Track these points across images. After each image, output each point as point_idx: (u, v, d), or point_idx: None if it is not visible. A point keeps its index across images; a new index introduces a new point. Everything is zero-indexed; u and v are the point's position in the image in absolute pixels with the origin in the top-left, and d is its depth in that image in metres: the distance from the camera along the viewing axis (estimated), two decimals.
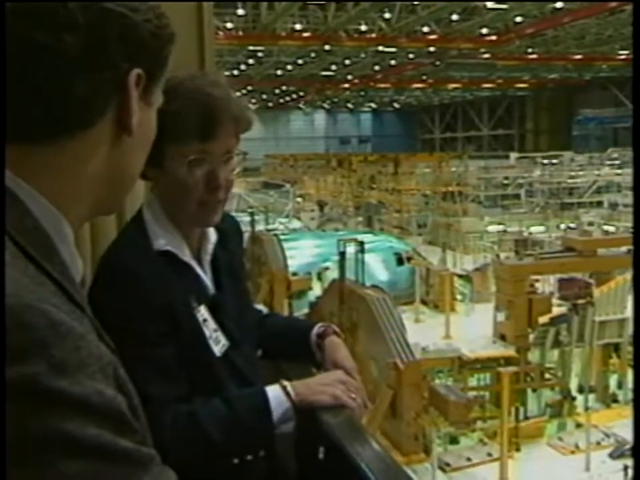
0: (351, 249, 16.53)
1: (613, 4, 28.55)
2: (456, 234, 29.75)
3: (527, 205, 37.76)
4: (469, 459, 12.57)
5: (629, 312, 14.72)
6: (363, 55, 41.09)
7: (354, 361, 1.75)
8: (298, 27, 32.97)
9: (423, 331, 17.20)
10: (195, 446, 1.42)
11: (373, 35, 34.10)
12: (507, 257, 20.73)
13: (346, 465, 1.33)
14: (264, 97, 64.26)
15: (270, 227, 27.79)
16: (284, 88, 57.22)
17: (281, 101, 66.62)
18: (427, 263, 23.00)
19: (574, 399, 14.54)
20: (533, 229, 30.68)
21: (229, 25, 31.50)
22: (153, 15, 0.87)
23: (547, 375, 14.75)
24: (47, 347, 0.67)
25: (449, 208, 33.26)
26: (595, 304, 14.95)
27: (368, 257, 17.71)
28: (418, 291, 20.65)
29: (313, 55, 39.65)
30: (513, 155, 47.39)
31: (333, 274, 17.38)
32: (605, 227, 28.47)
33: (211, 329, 1.55)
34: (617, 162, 40.87)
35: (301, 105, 72.29)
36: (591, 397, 14.82)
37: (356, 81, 51.01)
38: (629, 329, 14.63)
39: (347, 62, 42.66)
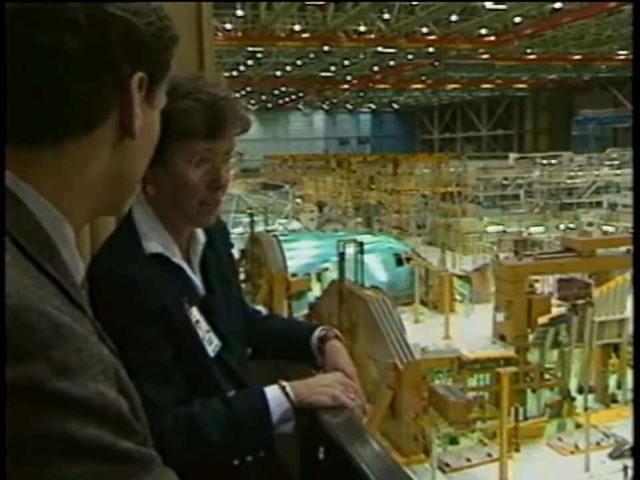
0: (350, 250, 16.53)
1: (612, 4, 28.58)
2: (455, 234, 29.76)
3: (526, 205, 37.77)
4: (468, 460, 12.57)
5: (628, 312, 14.73)
6: (362, 56, 41.12)
7: (353, 362, 1.75)
8: (297, 27, 33.00)
9: (423, 332, 17.20)
10: (195, 447, 1.42)
11: (372, 36, 34.13)
12: (506, 258, 20.72)
13: (346, 464, 1.33)
14: (263, 97, 64.29)
15: (269, 227, 27.82)
16: (283, 89, 57.27)
17: (280, 101, 66.66)
18: (426, 263, 23.01)
19: (573, 399, 14.53)
20: (532, 230, 30.69)
21: (228, 26, 31.52)
22: (156, 17, 0.86)
23: (547, 376, 14.74)
24: (48, 348, 0.67)
25: (448, 208, 33.28)
26: (594, 304, 14.96)
27: (367, 258, 17.71)
28: (417, 292, 20.66)
29: (312, 55, 39.69)
30: (512, 156, 47.43)
31: (333, 275, 17.40)
32: (604, 228, 28.49)
33: (203, 330, 1.56)
34: (616, 162, 40.90)
35: (300, 106, 72.33)
36: (591, 397, 14.82)
37: (355, 81, 51.06)
38: (629, 329, 14.64)
39: (346, 62, 42.70)
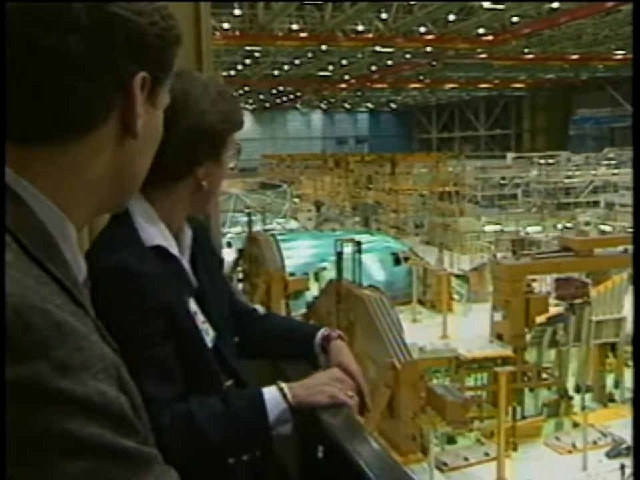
0: (348, 249, 16.53)
1: (609, 4, 28.60)
2: (453, 234, 29.77)
3: (524, 204, 37.79)
4: (466, 459, 12.58)
5: (625, 311, 14.75)
6: (359, 55, 41.12)
7: None
8: (295, 27, 32.99)
9: (420, 331, 17.20)
10: (192, 445, 1.42)
11: (370, 35, 34.12)
12: (504, 257, 20.72)
13: (345, 463, 1.33)
14: (261, 97, 64.25)
15: (267, 227, 27.79)
16: (281, 88, 57.22)
17: (278, 101, 66.60)
18: (424, 262, 23.01)
19: (571, 398, 14.55)
20: (529, 229, 30.71)
21: (226, 25, 31.49)
22: (159, 17, 0.86)
23: (544, 375, 14.76)
24: (50, 347, 0.67)
25: (446, 208, 33.30)
26: (591, 303, 14.98)
27: (365, 257, 17.72)
28: (415, 291, 20.66)
29: (309, 55, 39.66)
30: (510, 155, 47.43)
31: (330, 274, 17.40)
32: (602, 227, 28.54)
33: (200, 321, 1.57)
34: (613, 162, 40.93)
35: (297, 105, 72.30)
36: (588, 396, 14.84)
37: (353, 81, 51.06)
38: (626, 328, 14.65)
39: (344, 62, 42.68)
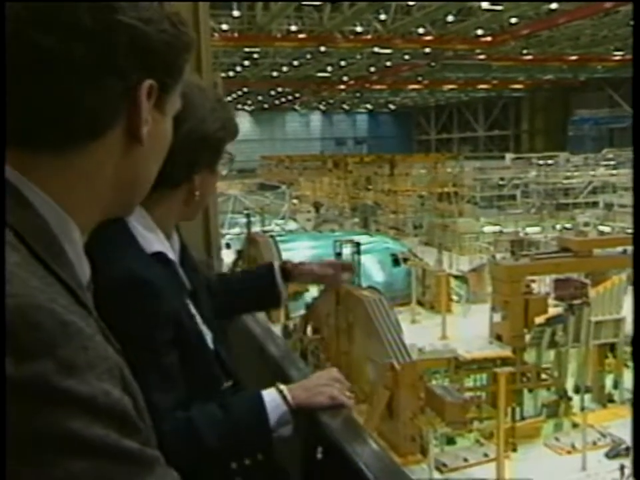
0: (347, 250, 16.55)
1: (608, 5, 28.63)
2: (452, 235, 29.79)
3: (523, 205, 37.82)
4: (465, 460, 12.58)
5: (624, 312, 14.76)
6: (358, 56, 41.14)
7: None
8: (293, 28, 33.00)
9: (420, 332, 17.21)
10: (193, 452, 1.42)
11: (369, 36, 34.14)
12: (503, 258, 20.75)
13: (345, 464, 1.33)
14: (259, 98, 64.29)
15: (266, 228, 27.79)
16: (279, 89, 57.24)
17: (277, 102, 66.65)
18: (423, 263, 23.04)
19: (570, 399, 14.56)
20: (528, 230, 30.74)
21: (225, 27, 31.50)
22: (169, 24, 0.86)
23: (543, 375, 14.77)
24: (56, 346, 0.67)
25: (445, 209, 33.32)
26: (590, 304, 14.98)
27: (364, 258, 17.73)
28: (414, 292, 20.68)
29: (308, 56, 39.68)
30: (509, 156, 47.49)
31: None
32: (601, 228, 28.56)
33: (199, 323, 1.57)
34: (612, 162, 40.97)
35: (296, 107, 72.35)
36: (587, 397, 14.85)
37: (351, 82, 51.09)
38: (625, 328, 14.67)
39: (343, 63, 42.71)
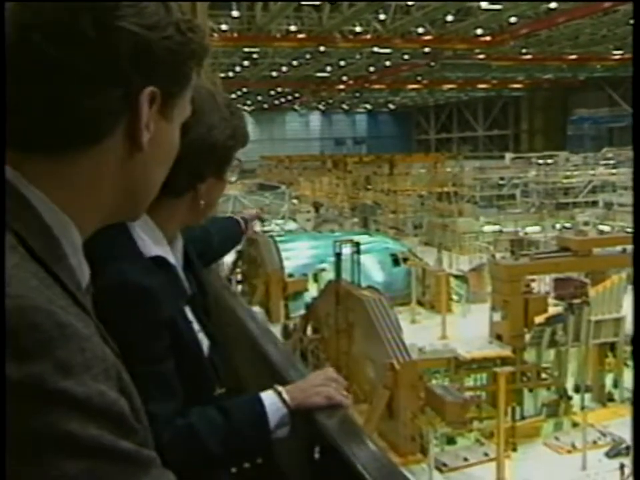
0: (346, 250, 16.53)
1: (607, 4, 28.63)
2: (452, 234, 29.79)
3: (523, 205, 37.83)
4: (465, 459, 12.59)
5: (624, 311, 14.76)
6: (357, 56, 41.15)
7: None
8: (293, 28, 33.00)
9: (419, 332, 17.20)
10: (194, 458, 1.42)
11: (368, 36, 34.14)
12: (503, 257, 20.74)
13: (342, 464, 1.33)
14: (259, 98, 64.29)
15: (265, 228, 27.77)
16: (279, 89, 57.26)
17: (276, 102, 66.65)
18: (423, 263, 23.01)
19: (570, 398, 14.56)
20: (528, 229, 30.74)
21: (224, 27, 31.49)
22: (175, 30, 0.86)
23: (543, 375, 14.77)
24: (53, 347, 0.68)
25: (445, 208, 33.30)
26: (590, 303, 14.98)
27: (364, 258, 17.70)
28: (414, 292, 20.65)
29: (307, 56, 39.70)
30: (508, 155, 47.52)
31: (329, 275, 17.40)
32: (600, 227, 28.55)
33: (196, 330, 1.56)
34: (611, 162, 40.99)
35: (296, 107, 72.35)
36: (587, 396, 14.86)
37: (351, 82, 51.10)
38: (625, 328, 14.66)
39: (342, 63, 42.71)
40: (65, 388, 0.67)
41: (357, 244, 16.83)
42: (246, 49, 36.82)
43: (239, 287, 21.76)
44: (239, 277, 22.02)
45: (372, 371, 13.06)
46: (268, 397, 1.50)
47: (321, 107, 73.62)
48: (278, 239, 22.26)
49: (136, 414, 0.77)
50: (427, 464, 11.73)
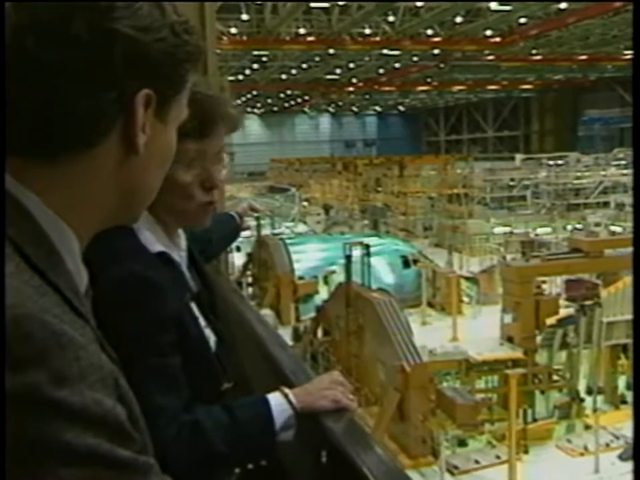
0: (356, 252, 16.52)
1: (618, 4, 28.51)
2: (462, 236, 29.70)
3: (533, 206, 37.69)
4: (477, 462, 12.52)
5: None
6: (367, 58, 41.16)
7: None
8: (302, 31, 33.04)
9: (430, 334, 17.16)
10: (198, 456, 1.42)
11: (377, 38, 34.13)
12: (514, 259, 20.68)
13: (348, 468, 1.32)
14: (269, 101, 64.44)
15: (276, 231, 27.81)
16: (289, 92, 57.37)
17: (286, 105, 66.77)
18: (434, 265, 22.96)
19: (582, 400, 14.47)
20: (539, 230, 30.62)
21: (233, 30, 31.58)
22: (170, 32, 0.85)
23: (555, 377, 14.69)
24: (48, 357, 0.68)
25: (455, 210, 33.22)
26: (602, 305, 14.89)
27: (374, 260, 17.68)
28: (424, 294, 20.61)
29: (317, 58, 39.74)
30: (519, 157, 47.38)
31: (339, 277, 17.39)
32: (612, 228, 28.38)
33: (202, 326, 1.56)
34: (623, 162, 40.77)
35: (305, 109, 72.43)
36: (600, 398, 14.75)
37: (360, 84, 51.10)
38: None
39: (352, 65, 42.73)
40: (60, 398, 0.67)
41: (367, 246, 16.81)
42: (255, 52, 36.90)
43: (250, 290, 21.81)
44: (250, 279, 22.08)
45: (382, 373, 13.04)
46: (274, 398, 1.50)
47: (330, 109, 73.69)
48: (288, 241, 22.30)
49: (134, 421, 0.77)
50: (438, 466, 11.69)
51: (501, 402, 13.52)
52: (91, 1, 0.79)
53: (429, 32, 33.73)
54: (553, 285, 19.07)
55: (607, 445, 12.86)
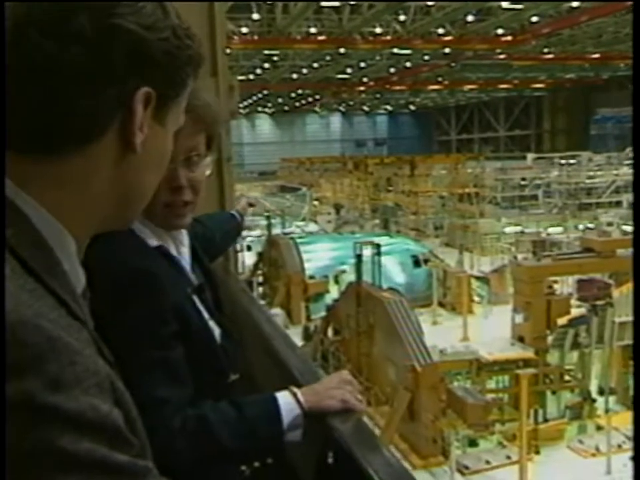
0: (367, 252, 16.52)
1: (630, 2, 28.32)
2: (473, 235, 29.64)
3: (545, 205, 37.53)
4: (487, 462, 12.49)
5: None
6: (378, 58, 41.10)
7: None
8: (313, 30, 33.04)
9: (441, 333, 17.14)
10: (204, 451, 1.41)
11: (388, 37, 34.09)
12: (525, 258, 20.61)
13: (355, 470, 1.31)
14: (280, 100, 64.48)
15: (286, 230, 27.87)
16: (300, 91, 57.38)
17: (297, 104, 66.78)
18: (444, 265, 22.94)
19: (594, 401, 14.40)
20: (550, 230, 30.50)
21: (244, 30, 31.63)
22: (172, 34, 0.85)
23: (567, 377, 14.64)
24: (43, 362, 0.67)
25: (466, 209, 33.13)
26: (614, 305, 14.82)
27: (385, 260, 17.69)
28: (435, 293, 20.59)
29: (328, 58, 39.73)
30: (530, 156, 47.18)
31: (350, 277, 17.39)
32: (624, 227, 28.23)
33: (205, 318, 1.56)
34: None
35: (316, 108, 72.41)
36: (612, 398, 14.66)
37: (371, 83, 51.05)
38: None
39: (362, 64, 42.69)
40: (55, 404, 0.66)
41: (378, 245, 16.82)
42: (266, 52, 36.96)
43: (260, 289, 21.87)
44: (260, 278, 22.13)
45: (393, 372, 13.04)
46: (283, 397, 1.49)
47: (341, 108, 73.66)
48: (299, 240, 22.33)
49: (132, 424, 0.76)
50: (449, 466, 11.67)
51: (512, 402, 13.49)
52: None
53: (440, 31, 33.65)
54: (565, 285, 19.00)
55: (619, 446, 12.78)
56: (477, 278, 22.40)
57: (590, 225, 30.77)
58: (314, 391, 1.53)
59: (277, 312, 17.92)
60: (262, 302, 19.90)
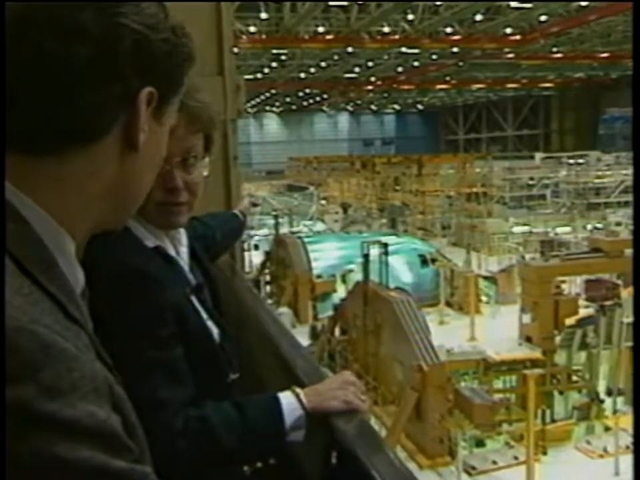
0: (374, 251, 16.51)
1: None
2: (481, 235, 29.58)
3: (553, 205, 37.40)
4: (494, 462, 12.46)
5: None
6: (386, 57, 41.04)
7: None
8: (321, 29, 33.03)
9: (448, 333, 17.12)
10: (206, 451, 1.41)
11: (396, 37, 34.04)
12: (533, 258, 20.55)
13: (358, 470, 1.31)
14: (287, 99, 64.49)
15: (294, 229, 27.90)
16: (307, 90, 57.37)
17: (305, 103, 66.77)
18: (452, 264, 22.91)
19: (602, 401, 14.34)
20: (558, 230, 30.41)
21: (252, 29, 31.65)
22: (173, 34, 0.86)
23: (574, 378, 14.58)
24: (38, 370, 0.66)
25: (474, 209, 33.07)
26: (622, 305, 14.76)
27: (392, 259, 17.68)
28: (442, 293, 20.57)
29: (335, 57, 39.71)
30: (538, 155, 47.02)
31: (357, 276, 17.39)
32: (633, 227, 28.10)
33: (204, 318, 1.56)
34: None
35: (324, 107, 72.39)
36: (620, 399, 14.60)
37: (379, 82, 50.99)
38: None
39: (370, 64, 42.64)
40: (51, 411, 0.66)
41: (385, 245, 16.81)
42: (274, 51, 36.96)
43: (268, 288, 21.89)
44: (268, 278, 22.16)
45: (400, 372, 13.02)
46: (285, 397, 1.49)
47: (349, 107, 73.60)
48: (306, 240, 22.34)
49: (130, 429, 0.75)
50: (455, 467, 11.65)
51: (519, 402, 13.44)
52: None
53: (448, 30, 33.58)
54: (573, 285, 18.94)
55: (627, 447, 12.72)
56: (485, 278, 22.37)
57: (598, 225, 30.66)
58: (316, 392, 1.52)
59: (284, 311, 17.95)
60: (269, 301, 19.94)
